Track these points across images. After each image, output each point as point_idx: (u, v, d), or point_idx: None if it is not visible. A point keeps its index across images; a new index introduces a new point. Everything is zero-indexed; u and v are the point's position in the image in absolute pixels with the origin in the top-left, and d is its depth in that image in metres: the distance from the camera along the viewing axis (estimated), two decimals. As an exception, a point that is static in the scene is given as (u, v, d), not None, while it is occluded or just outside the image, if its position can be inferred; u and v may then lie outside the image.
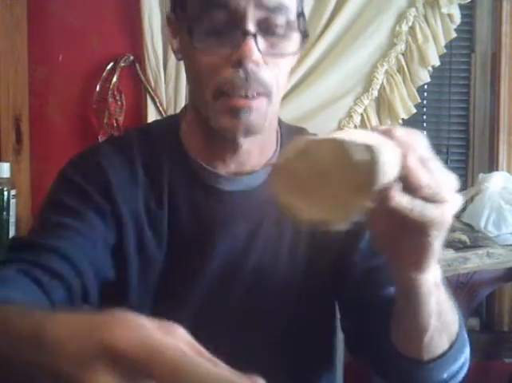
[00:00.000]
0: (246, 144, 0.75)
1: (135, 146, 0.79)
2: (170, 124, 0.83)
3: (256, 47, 0.66)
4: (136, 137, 0.81)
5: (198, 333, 0.76)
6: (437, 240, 0.53)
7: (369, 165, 0.38)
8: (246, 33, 0.65)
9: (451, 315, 0.64)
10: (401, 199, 0.48)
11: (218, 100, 0.69)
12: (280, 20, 0.68)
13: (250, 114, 0.68)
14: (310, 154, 0.38)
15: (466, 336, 0.69)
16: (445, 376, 0.68)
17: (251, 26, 0.66)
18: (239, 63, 0.66)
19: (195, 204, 0.76)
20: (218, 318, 0.76)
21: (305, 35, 0.72)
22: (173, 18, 0.75)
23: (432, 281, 0.58)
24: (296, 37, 0.70)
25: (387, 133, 0.48)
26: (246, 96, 0.68)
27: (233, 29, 0.66)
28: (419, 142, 0.50)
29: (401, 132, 0.49)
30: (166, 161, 0.78)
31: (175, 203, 0.76)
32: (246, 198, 0.77)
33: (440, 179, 0.50)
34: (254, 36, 0.66)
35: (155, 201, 0.76)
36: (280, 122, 0.84)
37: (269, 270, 0.78)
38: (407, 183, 0.48)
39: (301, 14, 0.72)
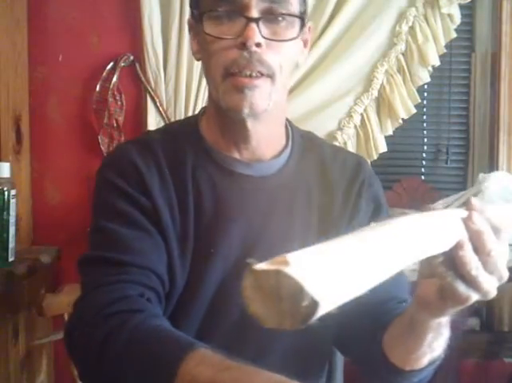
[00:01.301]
0: (255, 131, 0.82)
1: (159, 143, 0.85)
2: (189, 122, 0.91)
3: (258, 31, 0.74)
4: (158, 135, 0.88)
5: (216, 309, 0.80)
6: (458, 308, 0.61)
7: (309, 315, 0.42)
8: (249, 19, 0.74)
9: (441, 343, 0.71)
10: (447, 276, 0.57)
11: (226, 80, 0.77)
12: (281, 10, 0.76)
13: (253, 92, 0.76)
14: (279, 276, 0.42)
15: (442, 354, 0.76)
16: (416, 380, 0.76)
17: (254, 13, 0.75)
18: (243, 45, 0.74)
19: (214, 184, 0.83)
20: (234, 297, 0.79)
21: (303, 23, 0.80)
22: (192, 22, 0.84)
23: (438, 322, 0.66)
24: (296, 25, 0.79)
25: (468, 219, 0.55)
26: (251, 76, 0.76)
27: (238, 17, 0.75)
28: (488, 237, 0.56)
29: (477, 224, 0.56)
30: (188, 152, 0.85)
31: (198, 186, 0.83)
32: (260, 183, 0.85)
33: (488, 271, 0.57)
34: (257, 21, 0.74)
35: (181, 189, 0.83)
36: (288, 121, 0.91)
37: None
38: (457, 262, 0.56)
39: (303, 6, 0.80)
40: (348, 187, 0.88)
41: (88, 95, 1.77)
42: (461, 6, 1.78)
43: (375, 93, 1.79)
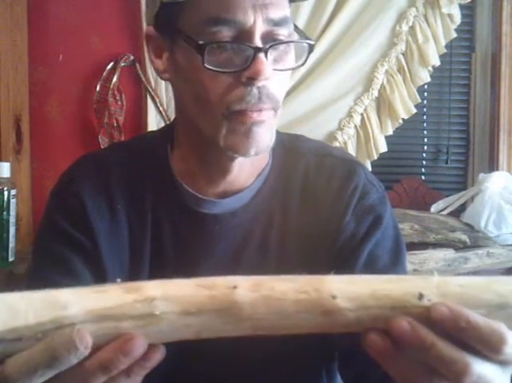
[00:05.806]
0: (240, 165, 0.73)
1: (116, 170, 0.77)
2: (159, 145, 0.80)
3: (267, 63, 0.64)
4: (119, 157, 0.79)
5: (185, 361, 0.70)
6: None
7: None
8: (257, 50, 0.63)
9: None
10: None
11: (231, 120, 0.66)
12: (283, 32, 0.66)
13: (261, 129, 0.67)
14: None
15: None
16: None
17: (259, 41, 0.64)
18: (252, 80, 0.64)
19: (178, 230, 0.75)
20: (204, 346, 0.73)
21: (311, 47, 0.69)
22: (156, 36, 0.71)
23: None
24: (297, 48, 0.69)
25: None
26: (259, 110, 0.66)
27: (242, 46, 0.64)
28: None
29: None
30: (149, 187, 0.76)
31: (158, 232, 0.75)
32: (230, 220, 0.75)
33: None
34: (265, 51, 0.63)
35: (138, 229, 0.75)
36: None
37: None
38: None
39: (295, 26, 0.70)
40: (336, 200, 0.76)
41: (88, 95, 1.77)
42: (461, 6, 1.78)
43: (375, 93, 1.79)
